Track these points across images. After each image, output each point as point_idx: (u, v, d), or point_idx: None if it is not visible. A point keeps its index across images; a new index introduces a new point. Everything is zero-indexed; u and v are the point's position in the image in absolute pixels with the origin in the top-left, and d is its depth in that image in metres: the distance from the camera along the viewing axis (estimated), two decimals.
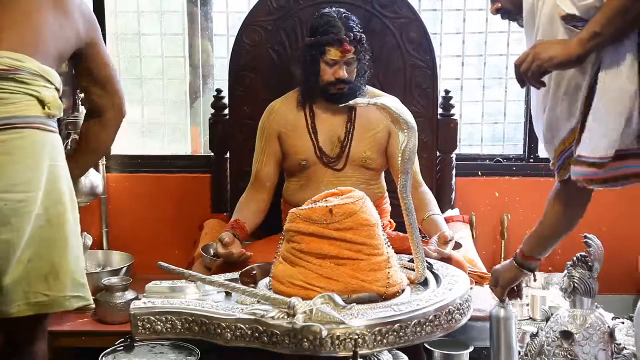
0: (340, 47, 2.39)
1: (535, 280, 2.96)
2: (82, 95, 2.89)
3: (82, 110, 2.90)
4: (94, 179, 2.91)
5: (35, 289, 1.85)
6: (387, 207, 2.61)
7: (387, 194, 2.61)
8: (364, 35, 2.46)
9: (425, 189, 2.58)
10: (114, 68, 2.17)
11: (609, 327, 2.01)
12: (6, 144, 1.78)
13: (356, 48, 2.42)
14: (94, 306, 2.63)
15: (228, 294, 1.87)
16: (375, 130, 2.52)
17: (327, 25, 2.41)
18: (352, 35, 2.41)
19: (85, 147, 2.18)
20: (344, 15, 2.45)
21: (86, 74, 2.11)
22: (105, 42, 3.08)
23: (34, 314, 1.86)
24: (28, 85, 1.83)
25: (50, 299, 1.87)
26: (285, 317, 1.64)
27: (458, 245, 2.53)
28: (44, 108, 1.86)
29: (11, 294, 1.82)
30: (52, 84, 1.90)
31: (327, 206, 1.80)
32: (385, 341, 1.65)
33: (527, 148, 3.25)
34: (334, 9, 2.50)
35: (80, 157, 2.18)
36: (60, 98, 1.94)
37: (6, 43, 1.83)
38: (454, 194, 2.98)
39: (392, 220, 2.62)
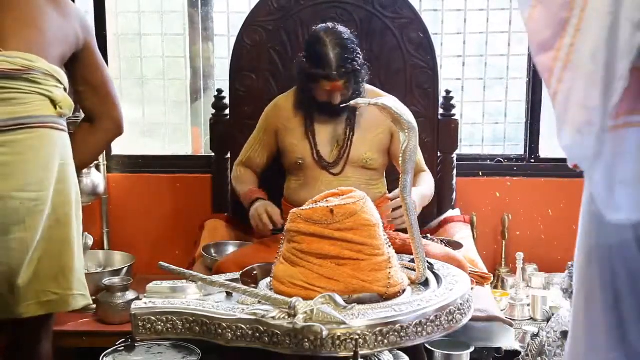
0: (332, 83, 2.37)
1: None
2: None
3: None
4: (95, 178, 2.91)
5: (46, 287, 1.87)
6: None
7: (388, 194, 2.61)
8: (356, 62, 2.38)
9: (426, 172, 2.60)
10: (109, 76, 2.14)
11: None
12: (20, 144, 1.79)
13: (348, 78, 2.37)
14: (93, 305, 2.64)
15: (229, 294, 1.88)
16: (377, 131, 2.52)
17: (319, 59, 2.35)
18: (343, 70, 2.35)
19: (75, 148, 2.03)
20: (337, 43, 2.36)
21: (81, 78, 2.10)
22: (106, 42, 3.11)
23: (44, 313, 1.88)
24: (40, 85, 1.84)
25: (59, 297, 1.89)
26: (286, 317, 1.64)
27: (458, 245, 2.54)
28: (55, 107, 1.87)
29: (23, 294, 1.83)
30: (61, 83, 1.91)
31: (327, 206, 1.79)
32: (385, 341, 1.65)
33: (527, 148, 3.24)
34: (329, 30, 2.39)
35: None
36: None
37: (15, 44, 1.84)
38: (454, 194, 2.98)
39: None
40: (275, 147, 2.61)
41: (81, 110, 2.89)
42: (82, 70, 2.08)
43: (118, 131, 2.16)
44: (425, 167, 2.62)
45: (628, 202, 1.10)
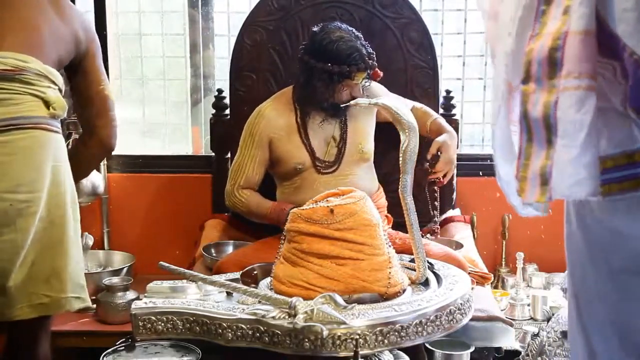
0: (370, 72, 2.38)
1: None
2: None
3: None
4: (95, 178, 2.91)
5: (38, 290, 1.85)
6: (383, 201, 2.59)
7: (381, 188, 2.60)
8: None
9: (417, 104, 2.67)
10: (107, 93, 2.09)
11: None
12: (11, 144, 1.78)
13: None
14: (93, 306, 2.64)
15: (229, 294, 1.87)
16: (366, 118, 2.55)
17: (351, 52, 2.34)
18: (374, 56, 2.39)
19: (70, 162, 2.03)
20: (354, 35, 2.39)
21: (77, 87, 2.08)
22: (106, 42, 3.11)
23: (36, 315, 1.87)
24: (33, 86, 1.84)
25: (51, 299, 1.87)
26: (286, 317, 1.64)
27: (459, 245, 2.54)
28: (48, 108, 1.87)
29: (15, 296, 1.82)
30: (55, 84, 1.91)
31: (327, 206, 1.79)
32: (386, 341, 1.65)
33: None
34: (341, 28, 2.41)
35: None
36: (63, 98, 1.94)
37: (10, 44, 1.84)
38: (454, 194, 2.98)
39: (389, 215, 2.61)
40: (269, 159, 2.51)
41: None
42: (79, 78, 2.06)
43: (105, 149, 2.11)
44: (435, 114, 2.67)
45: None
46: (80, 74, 2.06)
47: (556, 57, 1.06)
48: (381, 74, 2.43)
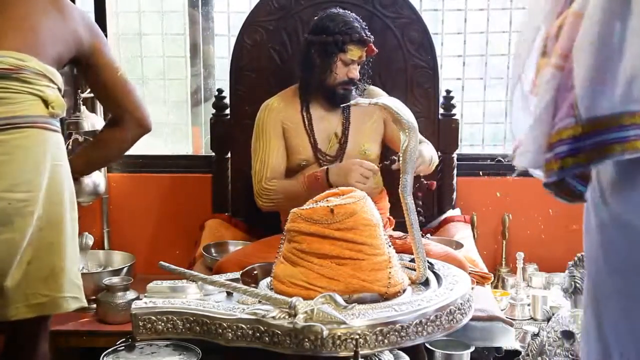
0: (364, 48, 2.41)
1: None
2: (83, 95, 2.89)
3: (84, 109, 2.90)
4: (96, 178, 2.90)
5: (35, 290, 1.85)
6: (386, 203, 2.60)
7: (384, 190, 2.60)
8: None
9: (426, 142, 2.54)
10: (125, 78, 2.13)
11: None
12: (9, 143, 1.78)
13: (367, 49, 2.45)
14: (93, 306, 2.64)
15: (229, 294, 1.87)
16: (371, 120, 2.55)
17: (345, 25, 2.40)
18: (369, 33, 2.43)
19: (100, 145, 2.17)
20: (353, 16, 2.46)
21: (94, 82, 2.12)
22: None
23: (34, 315, 1.86)
24: (31, 85, 1.83)
25: (49, 299, 1.87)
26: (286, 316, 1.64)
27: (459, 245, 2.54)
28: (47, 107, 1.86)
29: (12, 296, 1.82)
30: (54, 83, 1.90)
31: (328, 206, 1.79)
32: (386, 341, 1.65)
33: None
34: (340, 10, 2.48)
35: (91, 154, 2.20)
36: (62, 97, 1.94)
37: (8, 43, 1.83)
38: (455, 193, 2.98)
39: (391, 217, 2.61)
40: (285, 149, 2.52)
41: (84, 107, 2.92)
42: (94, 73, 2.09)
43: (143, 130, 2.15)
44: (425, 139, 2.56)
45: None
46: (93, 69, 2.09)
47: (558, 34, 1.10)
48: (376, 50, 2.46)
